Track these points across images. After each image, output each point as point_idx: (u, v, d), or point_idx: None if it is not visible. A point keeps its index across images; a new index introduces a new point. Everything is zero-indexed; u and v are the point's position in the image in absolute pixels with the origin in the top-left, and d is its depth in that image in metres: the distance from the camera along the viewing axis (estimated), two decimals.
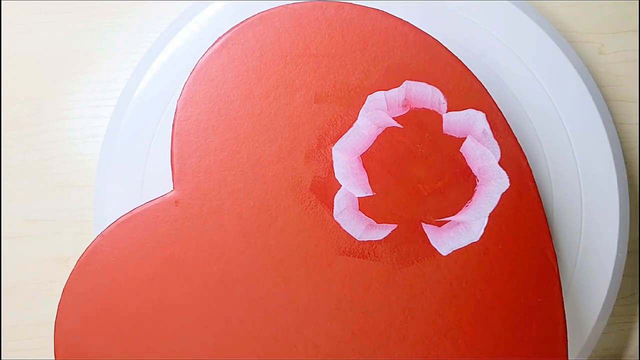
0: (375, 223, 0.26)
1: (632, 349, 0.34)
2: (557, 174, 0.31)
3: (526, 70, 0.31)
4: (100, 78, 0.34)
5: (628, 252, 0.32)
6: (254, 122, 0.26)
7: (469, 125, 0.26)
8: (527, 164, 0.26)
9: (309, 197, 0.26)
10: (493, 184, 0.25)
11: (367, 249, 0.26)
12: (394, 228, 0.26)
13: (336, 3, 0.26)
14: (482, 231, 0.25)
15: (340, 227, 0.26)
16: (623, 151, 0.33)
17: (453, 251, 0.25)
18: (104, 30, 0.34)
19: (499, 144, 0.25)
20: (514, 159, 0.25)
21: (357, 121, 0.26)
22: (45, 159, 0.34)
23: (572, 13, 0.34)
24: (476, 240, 0.25)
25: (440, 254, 0.26)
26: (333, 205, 0.26)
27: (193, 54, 0.31)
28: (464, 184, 0.26)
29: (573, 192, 0.31)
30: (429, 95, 0.25)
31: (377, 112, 0.25)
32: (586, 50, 0.34)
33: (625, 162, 0.33)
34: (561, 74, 0.31)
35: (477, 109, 0.25)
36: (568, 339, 0.31)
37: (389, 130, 0.26)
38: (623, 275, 0.32)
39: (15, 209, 0.33)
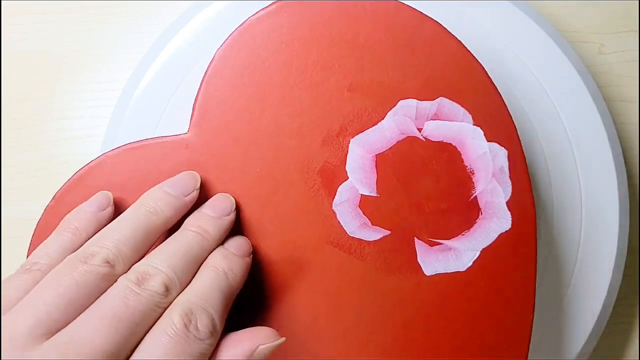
0: (370, 224, 0.26)
1: (632, 349, 0.34)
2: (557, 173, 0.31)
3: (526, 70, 0.31)
4: (100, 78, 0.34)
5: (628, 252, 0.32)
6: (284, 93, 0.26)
7: None
8: (534, 211, 0.25)
9: (314, 179, 0.26)
10: (495, 222, 0.25)
11: (354, 246, 0.26)
12: (386, 234, 0.26)
13: (398, 3, 0.26)
14: (470, 263, 0.25)
15: (335, 217, 0.26)
16: (623, 151, 0.33)
17: (436, 274, 0.25)
18: (104, 30, 0.34)
19: (512, 185, 0.25)
20: (522, 203, 0.25)
21: (383, 121, 0.26)
22: (45, 159, 0.34)
23: (572, 13, 0.34)
24: (462, 270, 0.25)
25: (423, 272, 0.25)
26: (335, 194, 0.26)
27: (193, 54, 0.31)
28: (467, 212, 0.25)
29: (573, 192, 0.31)
30: (459, 117, 0.25)
31: (404, 119, 0.25)
32: (586, 50, 0.34)
33: (625, 162, 0.33)
34: (561, 74, 0.31)
35: (502, 144, 0.25)
36: (568, 338, 0.31)
37: (410, 139, 0.26)
38: (623, 275, 0.32)
39: (15, 209, 0.33)
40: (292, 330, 0.25)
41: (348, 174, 0.26)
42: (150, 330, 0.20)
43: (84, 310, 0.20)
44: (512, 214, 0.25)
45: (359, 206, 0.26)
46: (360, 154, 0.26)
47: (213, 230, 0.23)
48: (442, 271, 0.25)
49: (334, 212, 0.26)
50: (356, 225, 0.26)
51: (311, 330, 0.26)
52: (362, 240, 0.26)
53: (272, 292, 0.26)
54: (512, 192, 0.25)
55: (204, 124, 0.26)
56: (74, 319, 0.20)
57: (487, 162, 0.25)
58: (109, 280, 0.21)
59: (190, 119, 0.26)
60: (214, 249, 0.23)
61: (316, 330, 0.25)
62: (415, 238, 0.25)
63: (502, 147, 0.25)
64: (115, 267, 0.21)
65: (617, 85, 0.34)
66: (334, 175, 0.26)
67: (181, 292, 0.22)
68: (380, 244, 0.26)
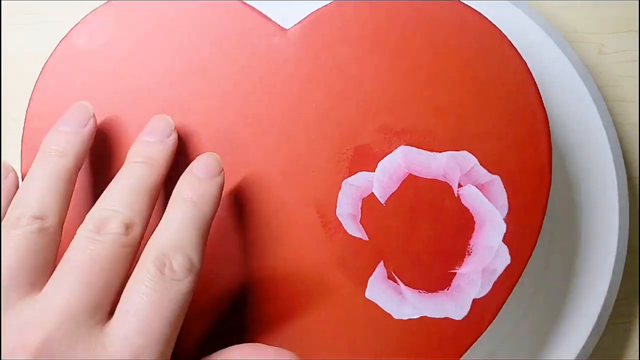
0: (358, 219, 0.25)
1: (632, 349, 0.34)
2: (557, 173, 0.31)
3: None
4: None
5: (628, 252, 0.32)
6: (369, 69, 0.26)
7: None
8: (492, 318, 0.25)
9: (347, 150, 0.25)
10: (450, 305, 0.25)
11: (331, 225, 0.25)
12: (363, 238, 0.25)
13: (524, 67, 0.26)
14: (405, 318, 0.25)
15: (338, 191, 0.25)
16: (623, 151, 0.33)
17: (372, 301, 0.25)
18: None
19: (490, 291, 0.25)
20: (486, 308, 0.25)
21: (438, 154, 0.25)
22: None
23: (572, 13, 0.34)
24: (394, 318, 0.25)
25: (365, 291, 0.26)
26: (354, 174, 0.25)
27: None
28: (437, 278, 0.25)
29: (573, 192, 0.31)
30: (498, 204, 0.25)
31: (456, 168, 0.25)
32: (586, 50, 0.34)
33: (625, 162, 0.33)
34: (561, 74, 0.31)
35: (512, 253, 0.25)
36: (568, 338, 0.31)
37: (446, 187, 0.25)
38: (623, 275, 0.32)
39: None
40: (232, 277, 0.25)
41: (376, 169, 0.26)
42: (127, 284, 0.20)
43: (36, 273, 0.20)
44: (470, 311, 0.25)
45: (363, 199, 0.25)
46: (398, 163, 0.25)
47: (158, 156, 0.23)
48: (378, 303, 0.25)
49: (340, 187, 0.25)
50: (347, 211, 0.25)
51: (253, 286, 0.25)
52: (341, 225, 0.25)
53: (234, 231, 0.26)
54: (485, 297, 0.25)
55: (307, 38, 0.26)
56: (31, 283, 0.20)
57: (487, 256, 0.25)
58: (46, 233, 0.20)
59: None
60: (164, 174, 0.23)
61: (255, 285, 0.25)
62: (382, 261, 0.25)
63: (509, 257, 0.25)
64: (47, 219, 0.21)
65: (617, 85, 0.34)
66: (364, 160, 0.25)
67: (145, 227, 0.21)
68: (352, 242, 0.25)
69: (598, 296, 0.31)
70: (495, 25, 0.26)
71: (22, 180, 0.24)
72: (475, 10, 0.26)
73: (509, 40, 0.26)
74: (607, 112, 0.32)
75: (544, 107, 0.25)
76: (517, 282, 0.25)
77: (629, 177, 0.33)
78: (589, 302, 0.31)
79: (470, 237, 0.25)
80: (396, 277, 0.25)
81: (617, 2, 0.34)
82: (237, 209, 0.26)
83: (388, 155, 0.25)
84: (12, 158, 0.34)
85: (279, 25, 0.26)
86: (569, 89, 0.31)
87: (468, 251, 0.25)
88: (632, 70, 0.34)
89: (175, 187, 0.22)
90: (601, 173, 0.31)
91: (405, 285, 0.25)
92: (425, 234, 0.25)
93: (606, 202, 0.31)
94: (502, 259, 0.25)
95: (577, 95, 0.31)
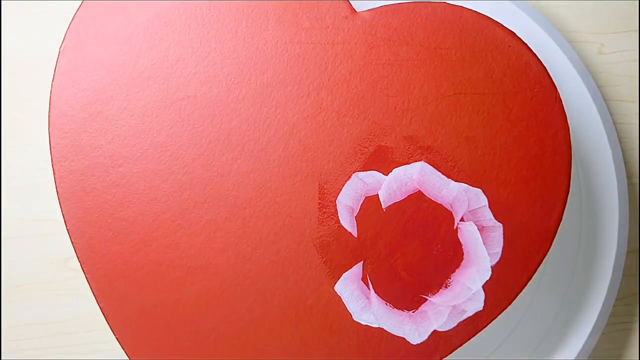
0: (354, 216, 0.25)
1: (632, 349, 0.34)
2: None
3: None
4: None
5: (628, 252, 0.32)
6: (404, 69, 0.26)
7: None
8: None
9: (369, 145, 0.26)
10: (408, 326, 0.25)
11: (328, 211, 0.25)
12: (353, 236, 0.25)
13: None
14: (361, 322, 0.25)
15: (346, 180, 0.25)
16: (623, 151, 0.33)
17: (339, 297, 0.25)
18: None
19: (449, 333, 0.25)
20: (439, 345, 0.25)
21: (453, 182, 0.25)
22: (45, 159, 0.34)
23: (572, 13, 0.34)
24: (353, 319, 0.25)
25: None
26: (367, 169, 0.25)
27: None
28: (410, 300, 0.25)
29: (573, 192, 0.31)
30: (492, 249, 0.25)
31: (465, 202, 0.25)
32: (586, 50, 0.34)
33: (625, 162, 0.33)
34: (561, 74, 0.31)
35: (487, 302, 0.25)
36: (568, 338, 0.31)
37: (449, 216, 0.25)
38: (623, 275, 0.32)
39: (15, 209, 0.33)
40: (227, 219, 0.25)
41: (390, 174, 0.25)
42: None
43: None
44: (427, 340, 0.25)
45: (366, 197, 0.25)
46: (413, 176, 0.25)
47: None
48: (343, 299, 0.25)
49: (350, 177, 0.25)
50: (347, 202, 0.25)
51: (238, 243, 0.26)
52: (337, 214, 0.25)
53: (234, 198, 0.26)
54: (446, 332, 0.25)
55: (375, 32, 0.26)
56: None
57: (462, 295, 0.25)
58: None
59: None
60: None
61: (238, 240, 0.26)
62: (363, 262, 0.25)
63: (483, 304, 0.25)
64: None
65: (617, 85, 0.34)
66: (381, 162, 0.25)
67: None
68: (341, 233, 0.25)
69: (598, 296, 0.31)
70: (554, 85, 0.26)
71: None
72: (541, 63, 0.26)
73: (561, 100, 0.26)
74: (607, 112, 0.32)
75: (569, 182, 0.25)
76: (482, 329, 0.25)
77: (629, 177, 0.33)
78: (589, 302, 0.31)
79: (452, 272, 0.25)
80: (369, 282, 0.25)
81: (617, 2, 0.34)
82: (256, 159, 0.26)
83: (406, 166, 0.25)
84: (11, 157, 0.34)
85: (351, 7, 0.26)
86: (569, 89, 0.31)
87: (446, 284, 0.25)
88: (632, 70, 0.34)
89: None
90: (601, 173, 0.31)
91: (376, 293, 0.25)
92: (412, 253, 0.25)
93: (606, 202, 0.31)
94: (476, 303, 0.25)
95: (577, 95, 0.31)
